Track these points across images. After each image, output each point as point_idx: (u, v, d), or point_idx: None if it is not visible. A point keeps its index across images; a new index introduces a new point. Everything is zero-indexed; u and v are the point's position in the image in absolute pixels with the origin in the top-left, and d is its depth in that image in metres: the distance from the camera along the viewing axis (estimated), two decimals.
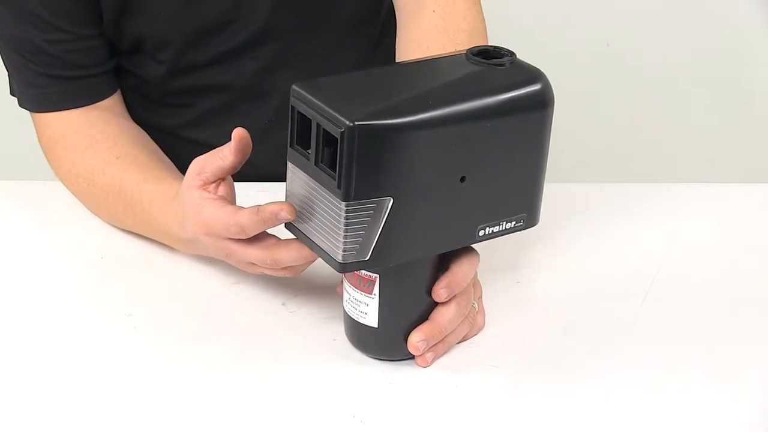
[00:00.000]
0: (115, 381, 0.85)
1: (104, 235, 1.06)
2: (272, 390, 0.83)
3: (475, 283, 0.89)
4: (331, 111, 0.76)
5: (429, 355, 0.86)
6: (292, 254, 0.86)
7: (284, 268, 0.89)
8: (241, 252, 0.89)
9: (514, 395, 0.83)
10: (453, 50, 1.05)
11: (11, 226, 1.09)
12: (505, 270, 0.98)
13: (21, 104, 1.14)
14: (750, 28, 2.10)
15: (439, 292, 0.84)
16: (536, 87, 0.81)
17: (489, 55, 0.84)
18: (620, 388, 0.83)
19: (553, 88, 0.82)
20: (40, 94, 1.11)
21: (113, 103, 1.15)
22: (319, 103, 0.77)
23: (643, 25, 2.10)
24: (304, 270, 0.89)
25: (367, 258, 0.79)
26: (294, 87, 0.80)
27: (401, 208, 0.78)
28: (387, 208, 0.77)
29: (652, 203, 1.11)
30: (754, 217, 1.10)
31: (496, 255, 0.96)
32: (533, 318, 0.92)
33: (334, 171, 0.76)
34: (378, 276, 0.83)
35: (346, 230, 0.77)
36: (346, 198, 0.76)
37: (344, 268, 0.79)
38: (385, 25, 1.25)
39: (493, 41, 0.93)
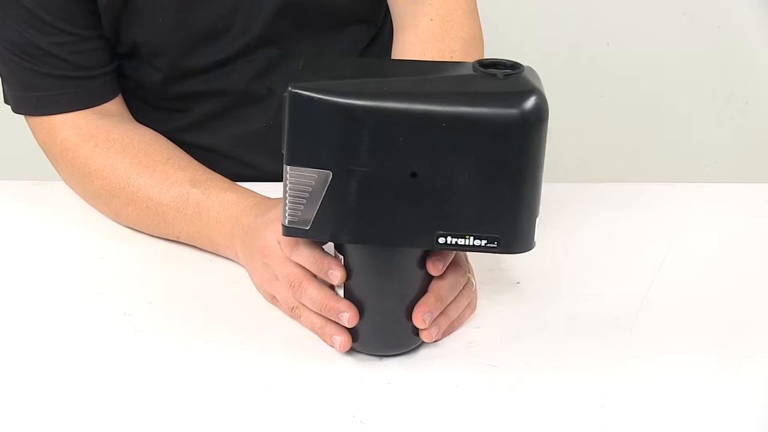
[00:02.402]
0: (115, 381, 0.85)
1: (104, 235, 1.06)
2: (272, 390, 0.83)
3: (467, 260, 0.90)
4: (295, 78, 0.79)
5: (433, 330, 0.86)
6: (318, 296, 0.87)
7: (298, 309, 0.89)
8: (283, 260, 0.89)
9: (514, 395, 0.83)
10: (449, 57, 1.06)
11: (11, 226, 1.09)
12: (505, 270, 0.98)
13: (18, 110, 1.11)
14: (750, 28, 2.09)
15: (436, 264, 0.85)
16: (518, 107, 0.76)
17: (498, 67, 0.80)
18: (620, 388, 0.83)
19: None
20: (49, 96, 1.09)
21: (122, 109, 1.14)
22: (297, 72, 0.80)
23: (643, 25, 2.10)
24: (311, 328, 0.89)
25: (308, 228, 0.81)
26: (298, 61, 0.83)
27: (342, 186, 0.79)
28: (327, 181, 0.79)
29: (652, 203, 1.11)
30: (755, 217, 1.10)
31: (496, 255, 0.96)
32: (533, 318, 0.92)
33: None
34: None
35: (289, 194, 0.80)
36: (287, 161, 0.79)
37: (287, 231, 0.82)
38: (382, 22, 1.25)
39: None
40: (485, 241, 0.80)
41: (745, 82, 2.15)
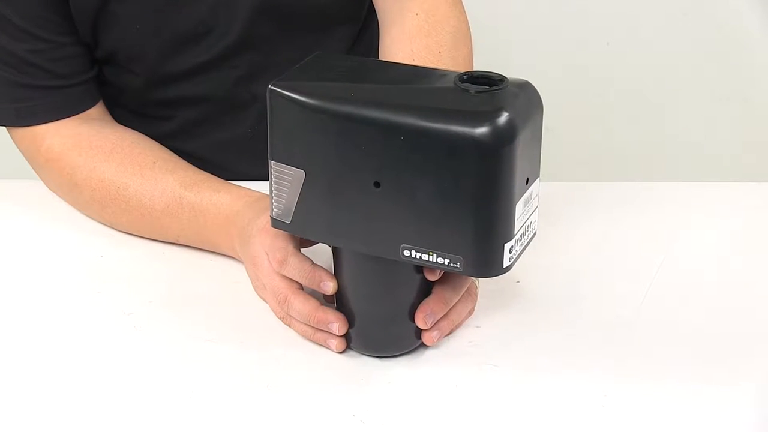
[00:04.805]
0: (115, 380, 0.85)
1: (104, 234, 1.06)
2: (272, 390, 0.84)
3: None
4: (283, 76, 0.81)
5: (434, 333, 0.86)
6: (304, 309, 0.87)
7: (286, 319, 0.90)
8: (269, 272, 0.89)
9: (514, 395, 0.83)
10: (437, 52, 1.06)
11: (11, 226, 1.09)
12: None
13: (1, 122, 1.10)
14: (750, 28, 2.10)
15: (433, 269, 0.84)
16: (473, 128, 0.72)
17: (479, 81, 0.77)
18: (620, 388, 0.83)
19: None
20: (29, 106, 1.08)
21: (102, 112, 1.14)
22: (293, 69, 0.82)
23: (643, 25, 2.10)
24: (305, 336, 0.89)
25: (289, 222, 0.83)
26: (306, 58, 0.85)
27: (314, 186, 0.80)
28: (301, 180, 0.80)
29: (652, 203, 1.11)
30: (754, 217, 1.10)
31: None
32: (533, 318, 0.92)
33: None
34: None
35: (273, 187, 0.83)
36: (270, 155, 0.82)
37: (274, 223, 0.85)
38: (366, 21, 1.24)
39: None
40: (448, 261, 0.78)
41: (744, 82, 2.15)
